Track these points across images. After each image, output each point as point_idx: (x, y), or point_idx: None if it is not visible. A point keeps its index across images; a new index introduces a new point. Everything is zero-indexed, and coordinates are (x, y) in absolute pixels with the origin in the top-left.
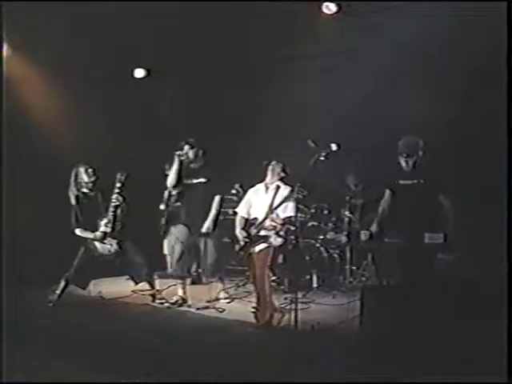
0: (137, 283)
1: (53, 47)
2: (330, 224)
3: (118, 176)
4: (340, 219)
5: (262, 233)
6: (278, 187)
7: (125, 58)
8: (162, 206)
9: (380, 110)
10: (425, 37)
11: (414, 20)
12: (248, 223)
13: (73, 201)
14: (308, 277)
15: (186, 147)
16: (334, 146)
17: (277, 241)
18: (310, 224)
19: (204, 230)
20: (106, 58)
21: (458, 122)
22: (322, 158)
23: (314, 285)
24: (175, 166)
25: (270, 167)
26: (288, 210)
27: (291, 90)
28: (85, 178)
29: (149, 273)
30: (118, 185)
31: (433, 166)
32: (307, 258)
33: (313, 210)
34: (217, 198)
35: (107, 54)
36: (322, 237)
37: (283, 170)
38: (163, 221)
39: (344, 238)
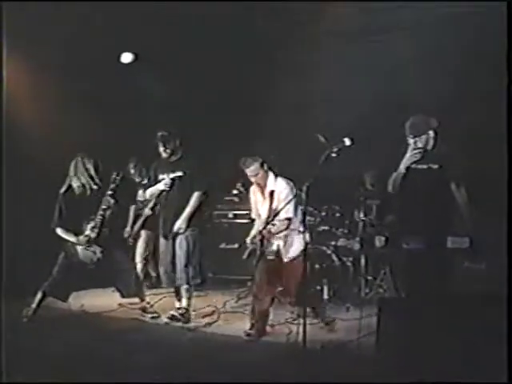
0: (124, 296)
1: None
2: (341, 229)
3: (113, 176)
4: (354, 223)
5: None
6: (272, 192)
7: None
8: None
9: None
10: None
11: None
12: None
13: (64, 190)
14: (318, 287)
15: (160, 145)
16: (347, 141)
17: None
18: (320, 228)
19: (175, 228)
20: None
21: None
22: (333, 155)
23: (325, 296)
24: (155, 166)
25: (246, 171)
26: (288, 212)
27: (294, 76)
28: (92, 172)
29: (138, 284)
30: (112, 186)
31: (448, 149)
32: (317, 266)
33: (323, 213)
34: (195, 195)
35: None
36: (333, 243)
37: (262, 165)
38: (137, 225)
39: (357, 245)
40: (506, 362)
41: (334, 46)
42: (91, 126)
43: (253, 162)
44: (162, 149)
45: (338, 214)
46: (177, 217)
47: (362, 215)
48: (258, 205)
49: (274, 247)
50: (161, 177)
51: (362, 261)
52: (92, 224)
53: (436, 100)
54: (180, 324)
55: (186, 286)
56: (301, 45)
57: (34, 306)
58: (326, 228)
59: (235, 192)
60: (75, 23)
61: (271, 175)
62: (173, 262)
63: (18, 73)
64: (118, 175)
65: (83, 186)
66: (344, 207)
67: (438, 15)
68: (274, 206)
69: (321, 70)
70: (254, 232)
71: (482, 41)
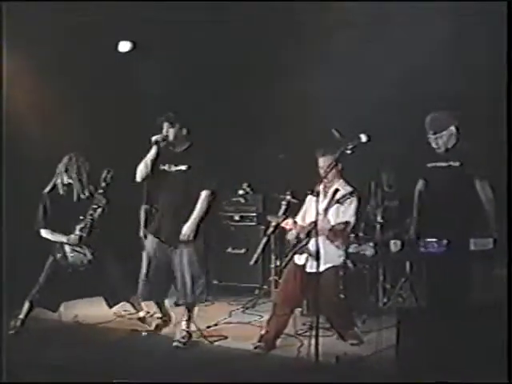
0: (111, 306)
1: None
2: (353, 235)
3: (104, 174)
4: (370, 226)
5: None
6: (336, 191)
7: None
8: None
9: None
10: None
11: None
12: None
13: (49, 189)
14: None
15: (166, 125)
16: (363, 138)
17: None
18: None
19: (181, 237)
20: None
21: None
22: (348, 152)
23: None
24: (150, 155)
25: (321, 159)
26: (345, 215)
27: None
28: (83, 172)
29: (126, 292)
30: (103, 184)
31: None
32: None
33: None
34: (204, 194)
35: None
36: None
37: (337, 160)
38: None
39: (371, 250)
40: (506, 362)
41: (346, 39)
42: (90, 124)
43: (332, 153)
44: (165, 130)
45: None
46: (179, 219)
47: (379, 218)
48: (313, 205)
49: (313, 248)
50: (161, 167)
51: (380, 268)
52: (81, 225)
53: (438, 98)
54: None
55: (191, 304)
56: (314, 36)
57: (21, 317)
58: None
59: (241, 192)
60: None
61: (342, 179)
62: (167, 274)
63: (18, 72)
64: (108, 173)
65: (69, 184)
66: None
67: (438, 15)
68: (332, 207)
69: (334, 63)
70: (296, 232)
71: (482, 41)
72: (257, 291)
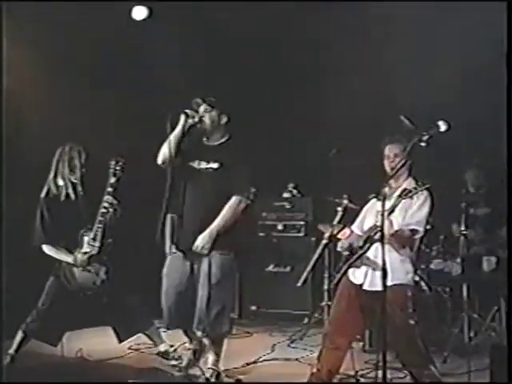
0: (121, 340)
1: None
2: (436, 247)
3: (113, 165)
4: (452, 238)
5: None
6: (404, 191)
7: None
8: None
9: None
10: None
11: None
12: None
13: (45, 194)
14: None
15: (202, 108)
16: (442, 126)
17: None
18: None
19: (194, 247)
20: None
21: None
22: (422, 144)
23: None
24: (177, 131)
25: (388, 147)
26: (412, 219)
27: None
28: (77, 166)
29: (145, 320)
30: (112, 180)
31: None
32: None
33: None
34: (233, 201)
35: None
36: (423, 266)
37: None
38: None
39: (457, 268)
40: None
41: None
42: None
43: (400, 141)
44: (200, 116)
45: (428, 226)
46: (200, 227)
47: (463, 228)
48: (372, 211)
49: (377, 259)
50: (189, 163)
51: (465, 291)
52: (90, 235)
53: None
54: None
55: (201, 334)
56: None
57: (11, 351)
58: None
59: (286, 195)
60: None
61: (411, 178)
62: (186, 294)
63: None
64: (117, 163)
65: (59, 187)
66: (438, 217)
67: (438, 15)
68: (397, 206)
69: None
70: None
71: (482, 41)
72: (306, 320)
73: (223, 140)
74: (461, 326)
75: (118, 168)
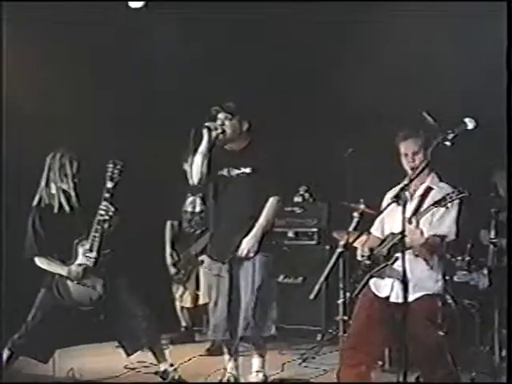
0: (129, 354)
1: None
2: (461, 257)
3: (110, 168)
4: (479, 247)
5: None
6: (428, 190)
7: None
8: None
9: None
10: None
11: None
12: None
13: (37, 203)
14: None
15: (221, 116)
16: (469, 123)
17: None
18: None
19: (240, 251)
20: None
21: None
22: (447, 143)
23: None
24: (203, 147)
25: (403, 144)
26: (441, 224)
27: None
28: (69, 174)
29: (151, 335)
30: (109, 184)
31: None
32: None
33: None
34: (271, 201)
35: None
36: (447, 277)
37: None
38: (194, 249)
39: (484, 281)
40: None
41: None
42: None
43: (416, 136)
44: (221, 122)
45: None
46: (239, 233)
47: (492, 235)
48: (394, 213)
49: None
50: (219, 173)
51: (495, 305)
52: (86, 246)
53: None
54: None
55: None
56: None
57: None
58: None
59: (297, 200)
60: None
61: (433, 173)
62: (229, 303)
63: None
64: (115, 166)
65: (52, 195)
66: (463, 223)
67: (438, 15)
68: (426, 212)
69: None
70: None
71: (482, 41)
72: (319, 336)
73: (245, 145)
74: (491, 344)
75: (115, 171)
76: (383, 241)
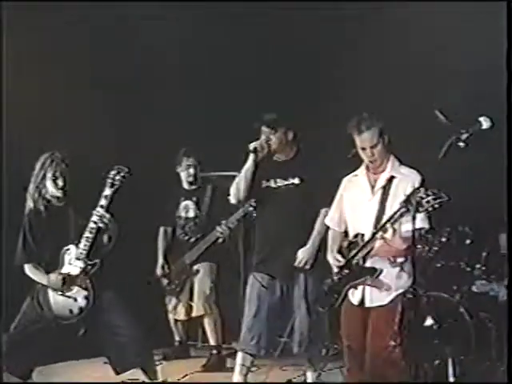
0: (118, 373)
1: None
2: (479, 265)
3: (111, 175)
4: (496, 256)
5: (370, 262)
6: (390, 180)
7: None
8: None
9: None
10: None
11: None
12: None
13: (27, 209)
14: (437, 362)
15: (266, 129)
16: (484, 123)
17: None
18: (438, 264)
19: (297, 262)
20: None
21: None
22: (460, 144)
23: (450, 379)
24: (247, 167)
25: (359, 138)
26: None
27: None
28: (60, 178)
29: (142, 351)
30: (108, 191)
31: None
32: (433, 325)
33: (444, 239)
34: (323, 213)
35: None
36: (464, 288)
37: (381, 134)
38: (189, 257)
39: (503, 292)
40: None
41: None
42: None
43: (370, 126)
44: (266, 137)
45: (468, 241)
46: (293, 247)
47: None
48: (356, 207)
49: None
50: (265, 184)
51: None
52: (72, 254)
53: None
54: None
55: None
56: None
57: None
58: (450, 263)
59: None
60: None
61: (392, 156)
62: (274, 318)
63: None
64: (119, 173)
65: (47, 203)
66: (480, 229)
67: (437, 15)
68: (388, 205)
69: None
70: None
71: (482, 40)
72: (323, 351)
73: (293, 154)
74: (508, 361)
75: (117, 178)
76: (351, 243)
